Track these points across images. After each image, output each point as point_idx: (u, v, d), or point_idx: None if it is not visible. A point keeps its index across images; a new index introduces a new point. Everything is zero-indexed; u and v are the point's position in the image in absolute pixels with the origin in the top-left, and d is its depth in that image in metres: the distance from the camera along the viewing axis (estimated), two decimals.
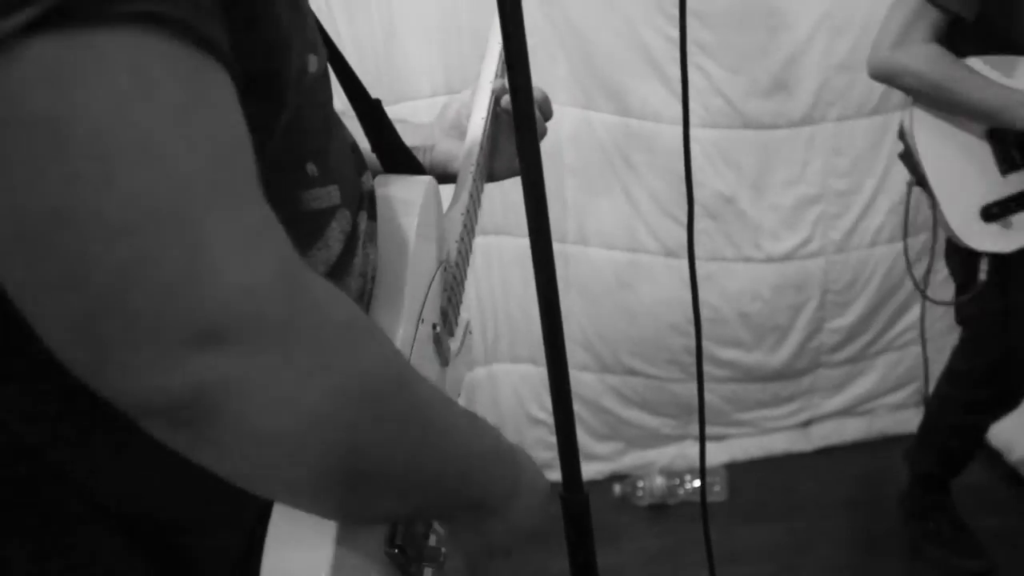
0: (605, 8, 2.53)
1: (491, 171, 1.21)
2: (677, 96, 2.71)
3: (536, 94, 1.04)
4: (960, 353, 2.36)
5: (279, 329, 0.54)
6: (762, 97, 2.64)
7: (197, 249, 0.51)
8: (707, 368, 2.32)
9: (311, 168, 0.76)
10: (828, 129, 2.69)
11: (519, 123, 0.77)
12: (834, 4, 2.56)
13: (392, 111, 1.04)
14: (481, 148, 1.14)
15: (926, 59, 1.96)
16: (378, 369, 0.62)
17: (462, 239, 1.05)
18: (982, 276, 2.09)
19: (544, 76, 2.28)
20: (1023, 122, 1.95)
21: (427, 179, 0.95)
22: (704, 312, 2.65)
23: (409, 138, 1.06)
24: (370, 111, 1.00)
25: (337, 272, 0.79)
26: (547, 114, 1.18)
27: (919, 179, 2.09)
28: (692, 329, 1.18)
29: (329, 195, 0.78)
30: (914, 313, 2.83)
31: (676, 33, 2.71)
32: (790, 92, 2.65)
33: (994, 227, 2.07)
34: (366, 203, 0.88)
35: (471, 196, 1.09)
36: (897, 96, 2.50)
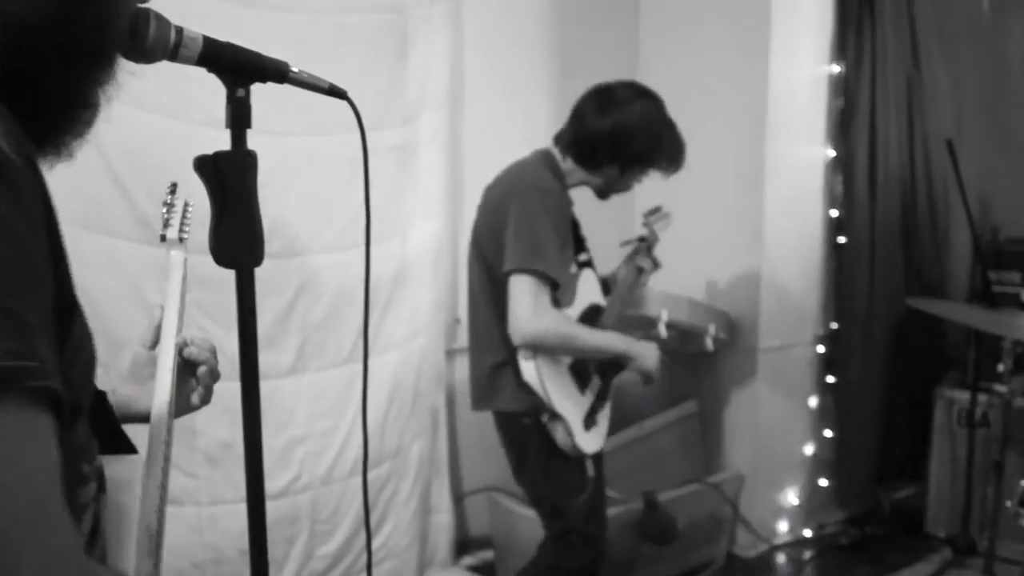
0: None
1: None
2: None
3: (207, 345, 1.33)
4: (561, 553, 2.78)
5: None
6: None
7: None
8: None
9: (85, 468, 0.95)
10: (310, 378, 3.13)
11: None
12: (311, 274, 3.05)
13: None
14: (170, 415, 1.27)
15: (559, 320, 2.56)
16: None
17: (159, 510, 1.20)
18: (590, 473, 2.70)
19: None
20: (638, 358, 2.66)
21: (140, 457, 1.16)
22: (208, 554, 2.84)
23: None
24: (99, 402, 1.15)
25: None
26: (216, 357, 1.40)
27: (534, 416, 2.64)
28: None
29: (92, 489, 0.97)
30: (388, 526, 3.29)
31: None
32: (278, 347, 3.05)
33: (591, 433, 2.70)
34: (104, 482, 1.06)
35: (163, 471, 1.23)
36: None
